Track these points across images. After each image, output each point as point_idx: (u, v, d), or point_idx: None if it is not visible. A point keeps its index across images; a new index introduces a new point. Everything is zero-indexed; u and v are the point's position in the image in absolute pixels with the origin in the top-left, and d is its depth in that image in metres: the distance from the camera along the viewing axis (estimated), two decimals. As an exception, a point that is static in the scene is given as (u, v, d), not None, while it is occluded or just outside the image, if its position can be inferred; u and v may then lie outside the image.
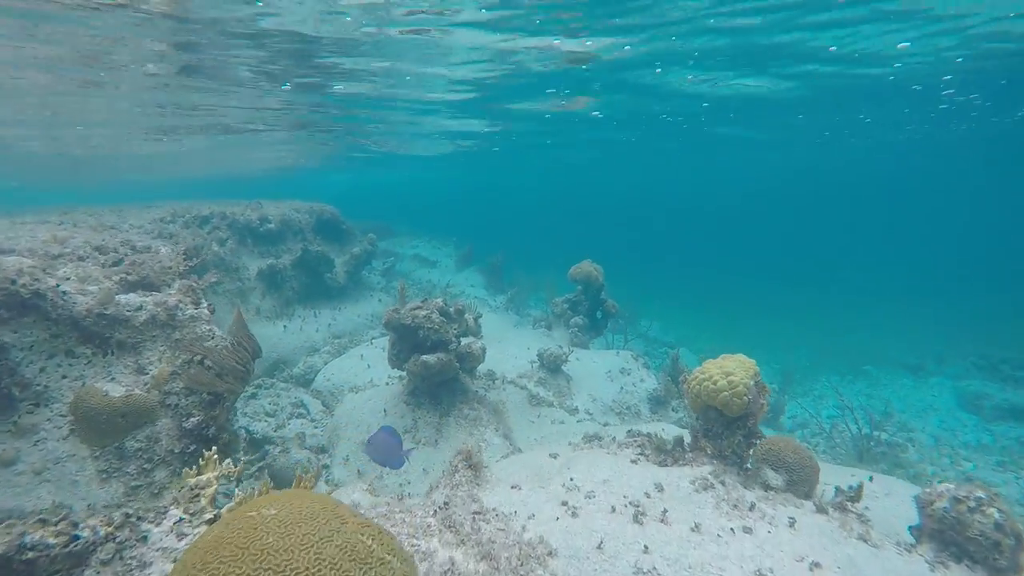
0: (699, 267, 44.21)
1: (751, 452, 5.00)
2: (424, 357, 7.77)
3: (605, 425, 8.34)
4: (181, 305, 6.24)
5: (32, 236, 7.20)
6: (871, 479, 5.77)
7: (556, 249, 31.36)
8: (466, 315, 8.78)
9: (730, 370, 4.89)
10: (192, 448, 5.62)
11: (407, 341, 8.19)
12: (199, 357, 5.90)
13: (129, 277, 6.33)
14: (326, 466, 8.35)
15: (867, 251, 59.52)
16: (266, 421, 9.06)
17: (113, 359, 5.75)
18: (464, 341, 8.83)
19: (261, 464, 7.84)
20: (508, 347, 10.86)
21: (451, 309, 8.60)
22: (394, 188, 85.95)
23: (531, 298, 21.37)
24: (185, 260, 7.08)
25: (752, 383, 4.90)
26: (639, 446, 5.51)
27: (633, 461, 5.13)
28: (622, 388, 9.91)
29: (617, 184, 76.66)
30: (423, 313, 8.05)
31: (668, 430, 7.69)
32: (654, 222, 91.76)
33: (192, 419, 5.66)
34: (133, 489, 5.20)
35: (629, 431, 5.74)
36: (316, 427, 9.29)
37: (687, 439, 5.25)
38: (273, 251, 13.35)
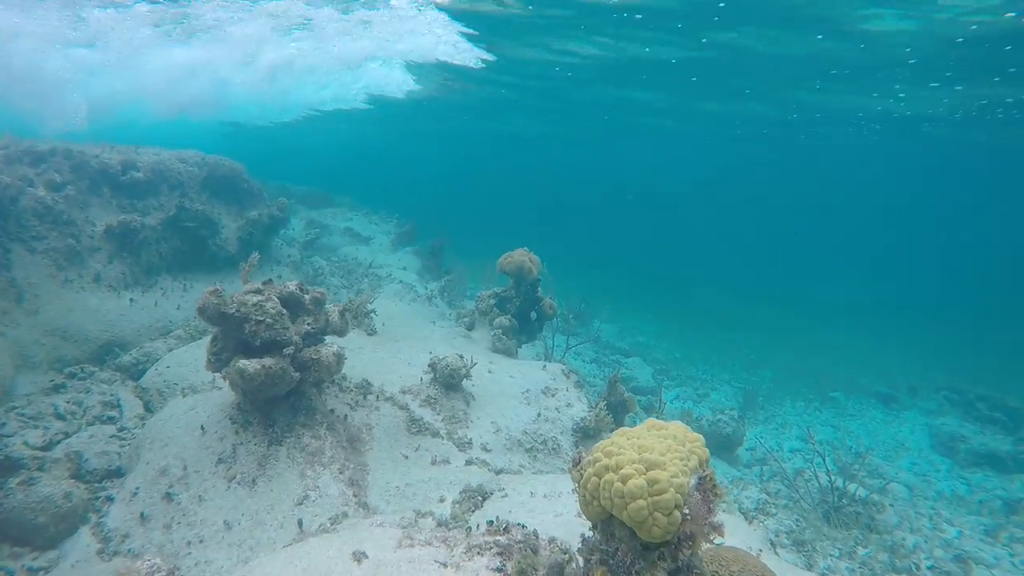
0: (664, 269, 42.35)
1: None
2: (242, 363, 5.39)
3: (499, 473, 6.09)
4: None
5: None
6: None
7: (514, 236, 29.00)
8: (328, 306, 6.42)
9: (655, 457, 2.64)
10: None
11: (230, 337, 5.80)
12: None
13: None
14: (110, 498, 5.95)
15: (841, 267, 58.58)
16: (45, 428, 6.58)
17: None
18: (327, 340, 6.49)
19: (-10, 500, 5.37)
20: (405, 351, 8.53)
21: (306, 297, 6.23)
22: (354, 156, 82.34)
23: (478, 286, 19.03)
24: None
25: (694, 482, 2.68)
26: (499, 555, 3.26)
27: (473, 599, 2.88)
28: (540, 414, 7.69)
29: (593, 172, 74.61)
30: (254, 300, 5.67)
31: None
32: (622, 219, 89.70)
33: None
34: None
35: (490, 523, 3.49)
36: (121, 439, 6.85)
37: (574, 564, 3.02)
38: (140, 206, 10.71)
